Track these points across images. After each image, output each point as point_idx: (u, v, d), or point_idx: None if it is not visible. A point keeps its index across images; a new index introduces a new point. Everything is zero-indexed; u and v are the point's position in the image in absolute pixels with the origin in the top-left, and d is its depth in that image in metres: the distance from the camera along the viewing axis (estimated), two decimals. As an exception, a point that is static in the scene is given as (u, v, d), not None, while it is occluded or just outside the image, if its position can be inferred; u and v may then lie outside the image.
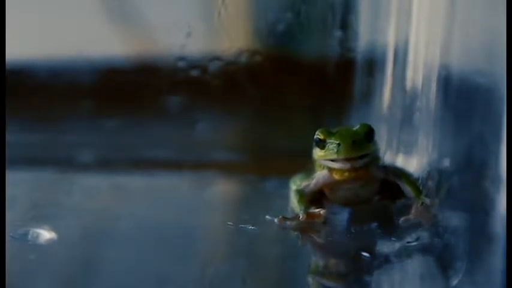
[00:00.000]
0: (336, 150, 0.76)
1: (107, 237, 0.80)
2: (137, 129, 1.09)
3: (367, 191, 0.80)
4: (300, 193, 0.80)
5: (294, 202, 0.80)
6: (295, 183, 0.85)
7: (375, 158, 0.79)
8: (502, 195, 0.61)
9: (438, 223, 0.77)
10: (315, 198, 0.83)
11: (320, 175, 0.80)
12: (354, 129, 0.77)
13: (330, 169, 0.78)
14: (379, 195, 0.81)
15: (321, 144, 0.77)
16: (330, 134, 0.77)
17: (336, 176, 0.78)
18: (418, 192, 0.79)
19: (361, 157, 0.76)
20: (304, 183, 0.81)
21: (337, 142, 0.76)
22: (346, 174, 0.77)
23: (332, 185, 0.79)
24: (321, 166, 0.79)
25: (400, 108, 0.95)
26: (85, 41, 1.04)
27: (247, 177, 1.03)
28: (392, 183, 0.80)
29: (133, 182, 1.00)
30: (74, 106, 1.07)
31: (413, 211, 0.78)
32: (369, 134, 0.77)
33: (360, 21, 1.06)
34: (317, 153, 0.78)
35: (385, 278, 0.70)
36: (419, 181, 0.81)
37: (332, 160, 0.77)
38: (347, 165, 0.77)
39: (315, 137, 0.78)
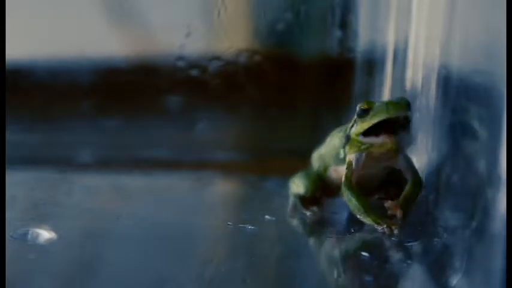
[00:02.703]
0: (385, 109, 0.75)
1: (107, 237, 0.80)
2: (137, 129, 1.09)
3: (382, 174, 0.80)
4: (356, 191, 0.79)
5: (358, 208, 0.77)
6: (295, 184, 0.85)
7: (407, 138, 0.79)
8: (502, 195, 0.61)
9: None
10: (315, 197, 0.83)
11: (355, 158, 0.79)
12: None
13: (368, 148, 0.78)
14: (380, 192, 0.81)
15: (365, 114, 0.77)
16: (372, 103, 0.77)
17: (377, 151, 0.77)
18: (412, 196, 0.79)
19: (404, 126, 0.76)
20: (346, 173, 0.79)
21: (386, 102, 0.76)
22: (393, 145, 0.76)
23: (364, 164, 0.79)
24: (356, 149, 0.79)
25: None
26: (85, 41, 1.04)
27: (247, 177, 1.04)
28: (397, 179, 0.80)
29: (133, 182, 1.00)
30: (74, 106, 1.07)
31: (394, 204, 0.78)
32: (408, 104, 0.77)
33: (360, 21, 1.06)
34: (359, 127, 0.77)
35: (385, 278, 0.70)
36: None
37: (377, 136, 0.77)
38: (391, 137, 0.76)
39: (358, 110, 0.77)
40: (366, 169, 0.79)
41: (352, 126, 0.78)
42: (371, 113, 0.76)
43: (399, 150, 0.77)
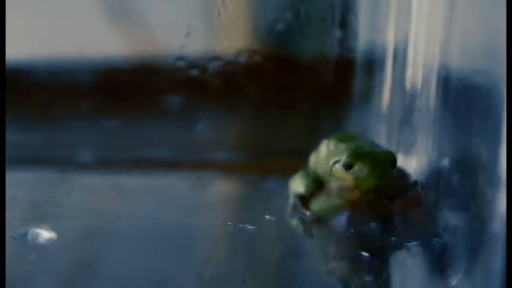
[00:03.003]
0: (366, 178, 0.77)
1: (107, 237, 0.80)
2: (137, 129, 1.09)
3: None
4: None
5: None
6: (295, 183, 0.85)
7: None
8: (502, 195, 0.61)
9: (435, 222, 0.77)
10: (315, 197, 0.83)
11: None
12: (381, 153, 0.79)
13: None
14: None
15: (349, 169, 0.78)
16: (357, 160, 0.77)
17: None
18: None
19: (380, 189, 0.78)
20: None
21: (367, 173, 0.77)
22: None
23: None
24: (338, 183, 0.80)
25: (400, 108, 0.95)
26: (85, 41, 1.04)
27: (247, 177, 1.04)
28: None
29: (133, 182, 1.00)
30: (74, 106, 1.07)
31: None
32: (393, 162, 0.78)
33: (360, 21, 1.06)
34: (342, 174, 0.79)
35: (385, 278, 0.70)
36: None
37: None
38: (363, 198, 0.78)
39: (343, 161, 0.78)
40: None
41: (337, 162, 0.79)
42: (353, 172, 0.78)
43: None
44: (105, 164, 1.06)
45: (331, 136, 0.84)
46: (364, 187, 0.77)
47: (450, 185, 0.76)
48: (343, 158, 0.78)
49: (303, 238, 0.83)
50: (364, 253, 0.72)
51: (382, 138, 0.97)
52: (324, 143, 0.84)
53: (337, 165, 0.79)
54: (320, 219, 0.82)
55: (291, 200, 0.85)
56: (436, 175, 0.80)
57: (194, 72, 1.07)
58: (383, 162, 0.77)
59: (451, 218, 0.75)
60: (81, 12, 1.04)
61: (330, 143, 0.83)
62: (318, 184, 0.83)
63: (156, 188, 0.98)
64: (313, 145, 0.87)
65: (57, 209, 0.86)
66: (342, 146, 0.80)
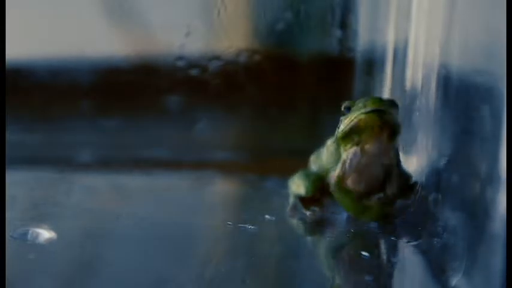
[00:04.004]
0: (363, 104, 0.78)
1: (107, 237, 0.80)
2: (137, 129, 1.09)
3: (380, 171, 0.81)
4: (351, 198, 0.81)
5: (349, 208, 0.81)
6: (295, 183, 0.85)
7: (397, 126, 0.80)
8: (502, 195, 0.61)
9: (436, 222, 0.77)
10: (315, 197, 0.83)
11: (349, 155, 0.80)
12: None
13: (358, 141, 0.79)
14: (379, 192, 0.82)
15: (349, 111, 0.79)
16: (354, 102, 0.79)
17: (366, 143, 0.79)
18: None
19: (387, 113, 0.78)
20: (338, 173, 0.81)
21: (364, 100, 0.78)
22: (376, 122, 0.78)
23: (360, 161, 0.80)
24: (347, 144, 0.80)
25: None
26: (85, 41, 1.04)
27: (247, 177, 1.04)
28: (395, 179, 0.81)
29: (133, 182, 1.00)
30: (74, 106, 1.07)
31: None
32: (392, 102, 0.80)
33: (360, 21, 1.06)
34: (345, 122, 0.79)
35: (385, 278, 0.70)
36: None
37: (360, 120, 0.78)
38: (375, 115, 0.78)
39: (343, 108, 0.79)
40: (362, 167, 0.79)
41: (339, 127, 0.80)
42: (352, 109, 0.79)
43: (388, 127, 0.78)
44: (105, 164, 1.06)
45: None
46: (370, 122, 0.78)
47: (450, 185, 0.76)
48: (342, 106, 0.79)
49: (303, 238, 0.83)
50: (364, 253, 0.72)
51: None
52: (324, 147, 0.85)
53: (341, 126, 0.80)
54: (320, 220, 0.82)
55: (291, 200, 0.85)
56: (436, 175, 0.80)
57: (194, 72, 1.07)
58: (383, 101, 0.79)
59: (451, 218, 0.75)
60: (81, 12, 1.04)
61: (329, 142, 0.83)
62: (318, 184, 0.83)
63: (156, 188, 0.98)
64: (313, 145, 0.87)
65: (57, 209, 0.86)
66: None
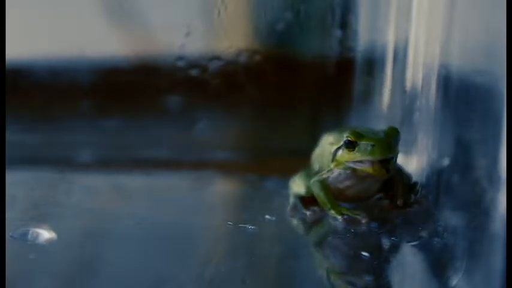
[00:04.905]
0: (370, 151, 0.76)
1: (107, 237, 0.80)
2: (137, 129, 1.09)
3: (376, 187, 0.80)
4: (325, 186, 0.81)
5: (320, 196, 0.81)
6: (295, 184, 0.85)
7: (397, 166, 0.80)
8: (502, 195, 0.61)
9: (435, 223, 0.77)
10: (315, 197, 0.83)
11: (341, 172, 0.80)
12: (382, 131, 0.79)
13: (355, 169, 0.78)
14: (380, 192, 0.82)
15: (351, 146, 0.78)
16: (360, 136, 0.77)
17: (363, 173, 0.78)
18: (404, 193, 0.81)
19: (390, 159, 0.78)
20: (323, 175, 0.81)
21: (372, 143, 0.76)
22: (376, 171, 0.77)
23: (350, 182, 0.80)
24: (342, 167, 0.79)
25: (400, 108, 0.95)
26: (85, 41, 1.04)
27: (247, 177, 1.04)
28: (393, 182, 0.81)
29: (133, 182, 1.00)
30: (74, 106, 1.07)
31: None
32: (396, 137, 0.78)
33: (360, 21, 1.06)
34: (345, 155, 0.78)
35: (385, 278, 0.70)
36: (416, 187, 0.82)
37: (362, 162, 0.77)
38: (378, 166, 0.77)
39: (345, 139, 0.78)
40: (353, 184, 0.79)
41: (340, 147, 0.79)
42: (356, 148, 0.77)
43: (387, 173, 0.78)
44: (105, 164, 1.06)
45: (332, 130, 0.84)
46: (376, 173, 0.77)
47: (450, 185, 0.76)
48: (345, 137, 0.78)
49: (303, 238, 0.83)
50: (364, 253, 0.72)
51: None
52: (324, 137, 0.84)
53: (340, 152, 0.79)
54: (320, 220, 0.82)
55: (291, 200, 0.85)
56: (436, 175, 0.80)
57: (194, 72, 1.07)
58: (386, 135, 0.78)
59: (451, 218, 0.75)
60: (81, 12, 1.04)
61: (329, 136, 0.83)
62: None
63: (156, 188, 0.98)
64: (313, 145, 0.87)
65: (57, 209, 0.86)
66: (343, 135, 0.80)
